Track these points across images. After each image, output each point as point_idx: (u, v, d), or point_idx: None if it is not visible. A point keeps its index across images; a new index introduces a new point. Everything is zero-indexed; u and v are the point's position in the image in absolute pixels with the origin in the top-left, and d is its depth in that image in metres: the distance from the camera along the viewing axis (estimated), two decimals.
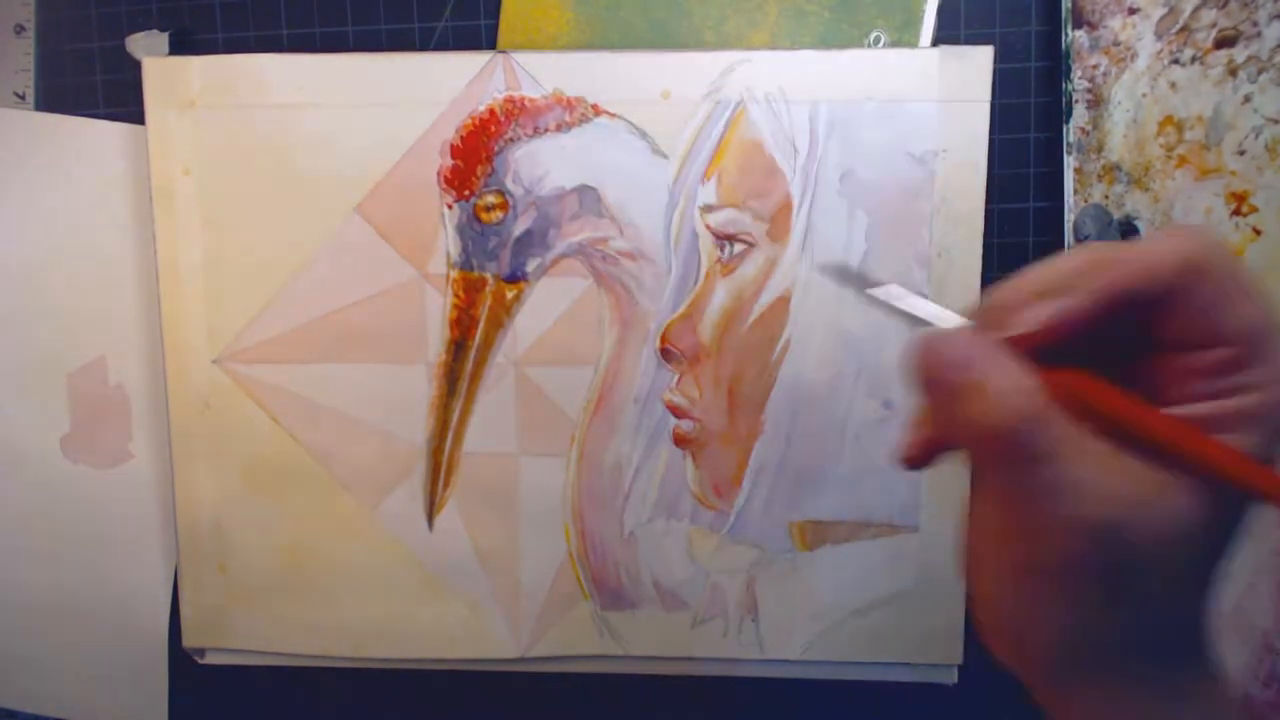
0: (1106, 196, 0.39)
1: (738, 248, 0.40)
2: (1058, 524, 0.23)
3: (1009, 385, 0.23)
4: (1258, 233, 0.39)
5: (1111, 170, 0.38)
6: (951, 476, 0.41)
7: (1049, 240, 0.40)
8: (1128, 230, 0.39)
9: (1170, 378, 0.24)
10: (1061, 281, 0.24)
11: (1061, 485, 0.23)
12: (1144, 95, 0.38)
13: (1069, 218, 0.39)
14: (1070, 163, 0.39)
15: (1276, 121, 0.38)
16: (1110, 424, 0.24)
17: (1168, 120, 0.38)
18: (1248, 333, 0.23)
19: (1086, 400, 0.24)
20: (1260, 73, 0.38)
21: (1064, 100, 0.38)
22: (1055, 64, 0.40)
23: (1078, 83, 0.38)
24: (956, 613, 0.42)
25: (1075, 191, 0.39)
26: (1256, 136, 0.38)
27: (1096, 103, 0.38)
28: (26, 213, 0.44)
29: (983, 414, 0.23)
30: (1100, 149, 0.38)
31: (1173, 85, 0.38)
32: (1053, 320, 0.24)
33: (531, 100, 0.40)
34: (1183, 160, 0.38)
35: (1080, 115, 0.38)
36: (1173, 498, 0.23)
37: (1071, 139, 0.38)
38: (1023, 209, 0.41)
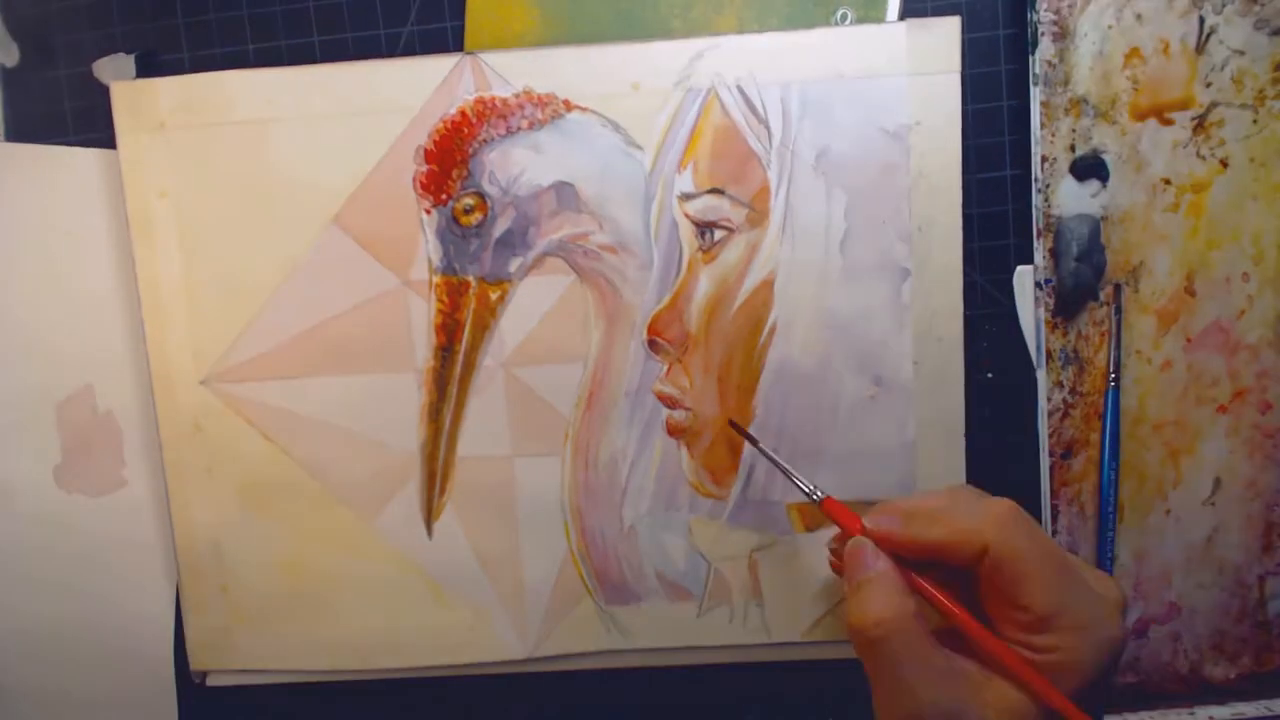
0: (1073, 130, 0.38)
1: (718, 234, 0.40)
2: (898, 709, 0.30)
3: (882, 595, 0.31)
4: (1224, 165, 0.39)
5: (1078, 104, 0.38)
6: (946, 454, 0.41)
7: (1027, 207, 0.40)
8: (1094, 165, 0.38)
9: (999, 622, 0.31)
10: (921, 516, 0.32)
11: (901, 685, 0.29)
12: (1110, 27, 0.38)
13: (1036, 150, 0.38)
14: (1036, 95, 0.38)
15: (1242, 53, 0.37)
16: (947, 624, 0.31)
17: (1134, 53, 0.38)
18: (1045, 606, 0.29)
19: (932, 602, 0.31)
20: (1225, 4, 0.37)
21: (1029, 31, 0.38)
22: (1022, 31, 0.40)
23: (1043, 15, 0.38)
24: None
25: (1042, 125, 0.38)
26: (1222, 69, 0.38)
27: (1062, 35, 0.38)
28: (3, 245, 0.44)
29: (859, 612, 0.31)
30: (1067, 82, 0.38)
31: (1139, 17, 0.38)
32: (898, 543, 0.32)
33: (502, 100, 0.40)
34: (1149, 93, 0.38)
35: (1046, 48, 0.38)
36: (983, 715, 0.29)
37: (1037, 70, 0.38)
38: (999, 177, 0.41)
